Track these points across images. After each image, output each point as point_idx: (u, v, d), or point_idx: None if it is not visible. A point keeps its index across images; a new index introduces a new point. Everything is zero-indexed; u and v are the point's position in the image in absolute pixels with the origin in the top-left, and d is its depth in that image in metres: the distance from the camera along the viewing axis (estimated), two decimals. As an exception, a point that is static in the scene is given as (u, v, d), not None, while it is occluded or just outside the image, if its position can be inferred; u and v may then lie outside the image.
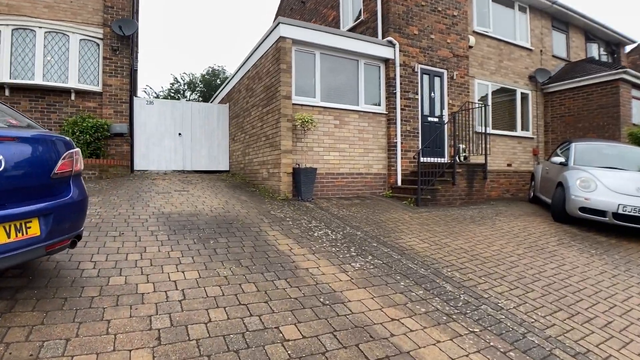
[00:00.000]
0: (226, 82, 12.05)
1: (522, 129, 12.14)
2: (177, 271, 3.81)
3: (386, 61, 8.99)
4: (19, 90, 9.00)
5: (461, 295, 3.64)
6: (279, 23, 7.55)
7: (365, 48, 8.58)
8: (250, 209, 6.46)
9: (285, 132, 7.41)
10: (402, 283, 3.84)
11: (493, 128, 11.08)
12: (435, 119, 9.56)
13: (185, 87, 24.78)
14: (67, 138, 3.35)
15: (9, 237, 2.55)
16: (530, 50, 12.50)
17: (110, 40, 9.63)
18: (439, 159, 8.84)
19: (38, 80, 8.92)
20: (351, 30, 10.28)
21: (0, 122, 3.13)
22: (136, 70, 11.78)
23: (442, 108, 9.69)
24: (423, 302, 3.43)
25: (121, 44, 9.74)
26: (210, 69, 26.16)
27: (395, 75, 8.88)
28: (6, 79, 8.74)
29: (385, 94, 9.03)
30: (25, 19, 8.89)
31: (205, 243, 4.64)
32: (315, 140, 7.93)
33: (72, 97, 9.39)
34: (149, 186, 7.87)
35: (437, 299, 3.53)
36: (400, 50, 8.94)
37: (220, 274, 3.79)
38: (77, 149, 3.44)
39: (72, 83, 9.25)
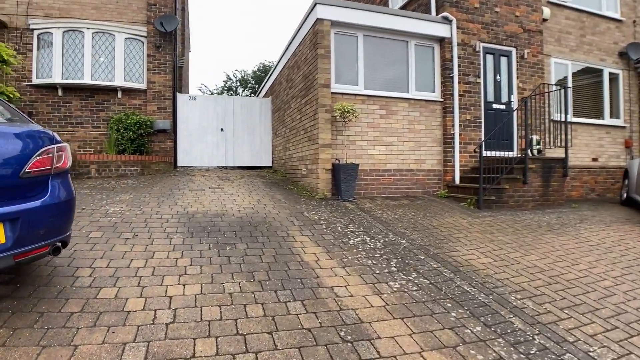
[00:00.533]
0: (269, 74, 11.60)
1: (611, 117, 10.20)
2: (178, 284, 3.23)
3: (441, 41, 7.84)
4: (70, 89, 9.21)
5: (535, 337, 2.63)
6: (315, 3, 6.81)
7: (416, 26, 7.53)
8: (282, 209, 5.80)
9: (323, 124, 6.66)
10: (453, 314, 2.90)
11: (574, 115, 9.39)
12: (502, 106, 8.22)
13: (238, 84, 25.05)
14: (50, 132, 2.92)
15: (-38, 245, 2.20)
16: (620, 21, 10.46)
17: (154, 37, 9.54)
18: (506, 152, 7.54)
19: (87, 79, 9.05)
20: (402, 9, 9.23)
21: None
22: (181, 66, 11.73)
23: (509, 93, 8.31)
24: (481, 346, 2.49)
25: (164, 40, 9.62)
26: (262, 65, 26.21)
27: (452, 56, 7.71)
28: (58, 79, 8.96)
29: (440, 78, 7.90)
30: (74, 21, 9.06)
31: (220, 249, 4.05)
32: (358, 133, 7.07)
33: (119, 95, 9.44)
34: (185, 183, 7.56)
35: (501, 340, 2.57)
36: (458, 27, 7.75)
37: (226, 290, 3.14)
38: (63, 144, 2.99)
39: (118, 81, 9.28)
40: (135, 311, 2.77)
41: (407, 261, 3.96)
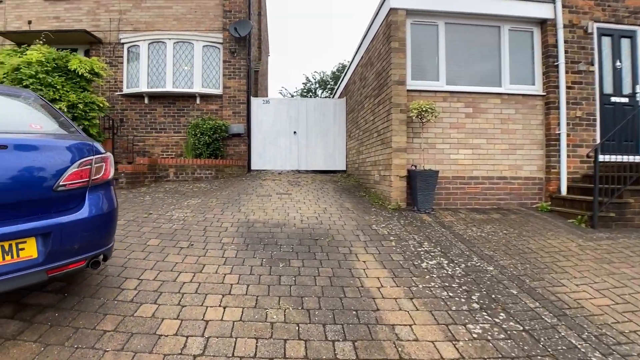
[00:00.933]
0: (344, 74, 11.14)
1: None
2: (219, 306, 2.89)
3: (542, 23, 6.59)
4: (154, 97, 9.78)
5: None
6: None
7: (510, 8, 6.41)
8: (348, 220, 5.25)
9: (397, 125, 5.96)
10: (561, 385, 2.08)
11: None
12: (624, 99, 6.66)
13: (317, 85, 25.09)
14: (90, 143, 2.80)
15: (-6, 259, 2.14)
16: None
17: (229, 43, 9.70)
18: (631, 157, 6.04)
19: (169, 87, 9.51)
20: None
21: (20, 126, 2.72)
22: (257, 70, 11.85)
23: (634, 83, 6.71)
24: None
25: (238, 45, 9.72)
26: (341, 65, 25.92)
27: (556, 41, 6.43)
28: (144, 88, 9.56)
29: (541, 68, 6.64)
30: (158, 33, 9.59)
31: (273, 266, 3.64)
32: (439, 135, 6.21)
33: (197, 101, 9.77)
34: (254, 188, 7.42)
35: None
36: (564, 6, 6.44)
37: (268, 318, 2.71)
38: (105, 155, 2.87)
39: (197, 88, 9.60)
40: (167, 336, 2.49)
41: (493, 296, 3.13)
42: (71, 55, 7.85)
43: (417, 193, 5.65)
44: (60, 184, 2.49)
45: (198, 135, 9.05)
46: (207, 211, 5.58)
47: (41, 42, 7.96)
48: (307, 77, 25.68)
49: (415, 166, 5.98)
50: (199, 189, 7.39)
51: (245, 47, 9.77)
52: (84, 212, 2.61)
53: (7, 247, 2.18)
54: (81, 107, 7.50)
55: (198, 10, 9.81)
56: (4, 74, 7.14)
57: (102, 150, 2.89)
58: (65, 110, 7.29)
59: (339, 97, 11.72)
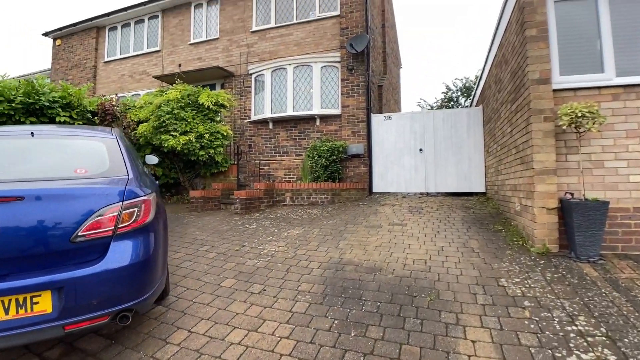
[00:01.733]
0: (479, 78, 9.38)
1: None
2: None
3: None
4: (278, 122, 9.98)
5: None
6: None
7: None
8: (469, 267, 3.91)
9: (540, 139, 4.28)
10: None
11: None
12: None
13: (459, 93, 22.75)
14: (121, 187, 2.55)
15: (6, 313, 2.07)
16: None
17: (346, 60, 9.25)
18: None
19: (289, 111, 9.58)
20: None
21: (63, 171, 2.63)
22: (380, 85, 11.07)
23: None
24: None
25: (356, 62, 9.17)
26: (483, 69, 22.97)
27: None
28: (268, 114, 9.85)
29: None
30: (279, 60, 9.80)
31: (343, 333, 2.74)
32: (608, 149, 4.23)
33: (317, 123, 9.56)
34: (367, 215, 6.59)
35: None
36: None
37: None
38: (140, 198, 2.62)
39: (316, 109, 9.40)
40: None
41: None
42: (202, 90, 8.54)
43: (574, 232, 3.88)
44: (80, 234, 2.29)
45: (315, 157, 8.76)
46: (302, 245, 5.00)
47: (180, 81, 8.91)
48: (447, 86, 23.56)
49: (572, 194, 4.17)
50: (309, 215, 6.95)
51: (363, 62, 9.16)
52: (105, 264, 2.35)
53: (21, 301, 2.09)
54: (207, 137, 8.01)
55: (316, 33, 9.71)
56: (150, 112, 8.16)
57: (140, 193, 2.58)
58: (194, 140, 7.87)
59: (475, 106, 9.97)
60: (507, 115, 5.73)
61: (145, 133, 8.15)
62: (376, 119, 9.35)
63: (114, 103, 8.45)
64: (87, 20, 13.10)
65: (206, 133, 8.02)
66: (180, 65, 11.34)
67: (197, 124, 8.15)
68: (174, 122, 7.98)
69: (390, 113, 9.34)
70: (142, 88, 12.14)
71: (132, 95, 11.90)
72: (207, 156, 8.22)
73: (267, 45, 10.25)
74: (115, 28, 13.17)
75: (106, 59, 13.10)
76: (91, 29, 13.42)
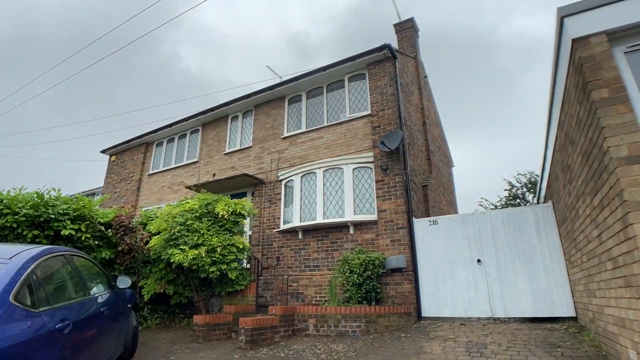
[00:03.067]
0: (541, 169, 7.76)
1: None
2: None
3: None
4: (308, 231, 8.88)
5: None
6: (561, 18, 3.52)
7: None
8: None
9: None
10: None
11: None
12: None
13: (524, 189, 20.54)
14: None
15: None
16: None
17: (380, 160, 8.31)
18: None
19: (319, 219, 8.51)
20: None
21: None
22: (425, 185, 9.81)
23: None
24: None
25: (391, 160, 8.19)
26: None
27: None
28: (297, 222, 8.84)
29: None
30: (309, 164, 9.13)
31: None
32: None
33: (351, 231, 8.30)
34: (410, 355, 4.78)
35: None
36: None
37: None
38: None
39: (349, 216, 8.25)
40: None
41: None
42: (221, 199, 7.86)
43: None
44: None
45: (347, 273, 7.30)
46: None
47: (205, 191, 8.37)
48: (510, 182, 21.60)
49: None
50: (329, 355, 5.24)
51: (399, 160, 8.14)
52: None
53: None
54: (219, 250, 7.01)
55: (347, 134, 9.09)
56: (162, 223, 7.48)
57: None
58: (204, 255, 6.89)
59: (543, 202, 8.19)
60: (588, 213, 4.09)
61: (155, 247, 7.39)
62: (419, 225, 7.89)
63: (129, 214, 7.98)
64: (138, 137, 13.97)
65: (219, 246, 7.06)
66: (214, 174, 11.16)
67: (211, 236, 7.28)
68: (185, 234, 7.17)
69: (437, 217, 7.87)
70: (178, 199, 12.00)
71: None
72: (219, 272, 7.11)
73: (297, 150, 9.77)
74: (161, 143, 13.84)
75: (150, 172, 13.49)
76: (141, 145, 14.24)
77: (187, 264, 6.83)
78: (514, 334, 5.68)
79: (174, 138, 13.43)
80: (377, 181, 8.26)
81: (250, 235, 9.83)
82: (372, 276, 7.21)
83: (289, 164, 9.76)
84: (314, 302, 8.28)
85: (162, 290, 7.65)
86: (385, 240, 7.82)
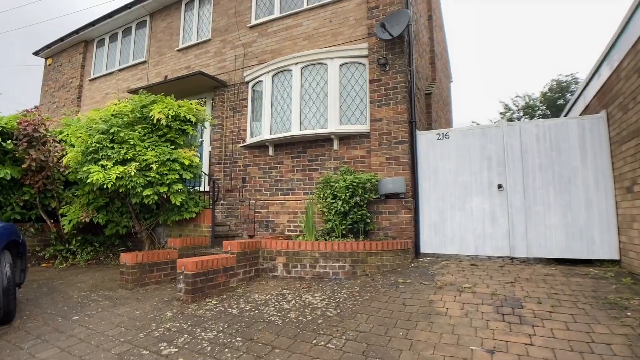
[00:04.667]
0: (589, 74, 5.85)
1: None
2: None
3: None
4: (280, 146, 7.02)
5: None
6: None
7: None
8: None
9: None
10: None
11: None
12: None
13: (521, 113, 18.99)
14: None
15: None
16: None
17: (377, 52, 6.20)
18: None
19: (294, 130, 6.59)
20: None
21: None
22: (428, 93, 7.86)
23: None
24: None
25: (391, 53, 6.10)
26: (554, 83, 19.01)
27: None
28: (267, 135, 6.92)
29: None
30: (282, 59, 6.93)
31: None
32: None
33: (335, 146, 6.47)
34: (414, 324, 3.25)
35: None
36: None
37: None
38: None
39: (333, 126, 6.35)
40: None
41: None
42: (163, 99, 5.79)
43: None
44: None
45: (328, 199, 5.62)
46: None
47: (145, 92, 6.24)
48: (506, 105, 19.87)
49: None
50: (301, 312, 3.69)
51: (402, 53, 6.06)
52: None
53: None
54: (155, 167, 5.12)
55: (333, 19, 6.80)
56: (84, 129, 5.47)
57: None
58: (134, 174, 5.00)
59: (581, 114, 6.41)
60: None
61: (71, 163, 5.45)
62: (424, 139, 6.09)
63: (34, 120, 5.88)
64: (74, 32, 11.17)
65: (155, 162, 5.15)
66: (166, 77, 8.85)
67: (145, 148, 5.33)
68: (109, 145, 5.21)
69: (448, 129, 6.05)
70: (125, 108, 9.76)
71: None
72: (157, 196, 5.30)
73: (268, 43, 7.48)
74: (103, 41, 11.11)
75: (92, 76, 10.98)
76: (79, 44, 11.49)
77: (110, 186, 4.96)
78: (548, 282, 4.23)
79: (117, 33, 10.71)
80: (371, 81, 6.24)
81: (210, 152, 7.92)
82: (362, 203, 5.56)
83: (257, 61, 7.52)
84: (287, 233, 6.73)
85: (87, 219, 5.86)
86: (379, 158, 6.05)
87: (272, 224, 6.94)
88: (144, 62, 9.70)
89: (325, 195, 5.65)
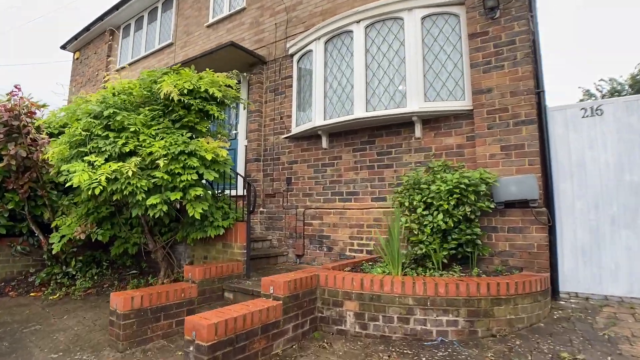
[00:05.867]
0: None
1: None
2: None
3: None
4: (337, 136, 5.23)
5: None
6: None
7: None
8: None
9: None
10: None
11: None
12: None
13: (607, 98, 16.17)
14: None
15: None
16: None
17: (483, -10, 4.22)
18: None
19: (359, 112, 4.75)
20: None
21: None
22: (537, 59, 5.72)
23: None
24: None
25: (507, -13, 4.10)
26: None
27: None
28: (319, 121, 5.13)
29: None
30: (339, 19, 5.12)
31: None
32: None
33: (417, 133, 4.56)
34: None
35: None
36: None
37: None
38: None
39: (414, 104, 4.45)
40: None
41: None
42: (174, 70, 4.17)
43: None
44: None
45: (419, 207, 3.71)
46: None
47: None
48: (587, 91, 17.09)
49: None
50: None
51: (523, -12, 4.05)
52: None
53: None
54: (162, 164, 3.47)
55: (411, -46, 4.89)
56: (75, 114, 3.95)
57: None
58: (133, 173, 3.38)
59: None
60: None
61: (55, 160, 3.94)
62: (561, 117, 4.04)
63: (15, 107, 4.45)
64: (99, 19, 10.04)
65: (163, 157, 3.49)
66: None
67: (152, 137, 3.70)
68: (101, 133, 3.63)
69: (599, 101, 3.96)
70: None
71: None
72: (166, 206, 3.63)
73: (318, 2, 5.71)
74: (128, 27, 9.89)
75: (118, 67, 9.77)
76: (104, 33, 10.35)
77: (98, 192, 3.35)
78: None
79: (142, 17, 9.44)
80: (472, 36, 4.27)
81: (246, 147, 6.27)
82: (472, 216, 3.61)
83: (304, 27, 5.76)
84: (348, 253, 4.91)
85: (83, 236, 4.33)
86: (488, 147, 4.06)
87: (327, 241, 5.14)
88: (170, 45, 8.29)
89: (415, 204, 3.74)
